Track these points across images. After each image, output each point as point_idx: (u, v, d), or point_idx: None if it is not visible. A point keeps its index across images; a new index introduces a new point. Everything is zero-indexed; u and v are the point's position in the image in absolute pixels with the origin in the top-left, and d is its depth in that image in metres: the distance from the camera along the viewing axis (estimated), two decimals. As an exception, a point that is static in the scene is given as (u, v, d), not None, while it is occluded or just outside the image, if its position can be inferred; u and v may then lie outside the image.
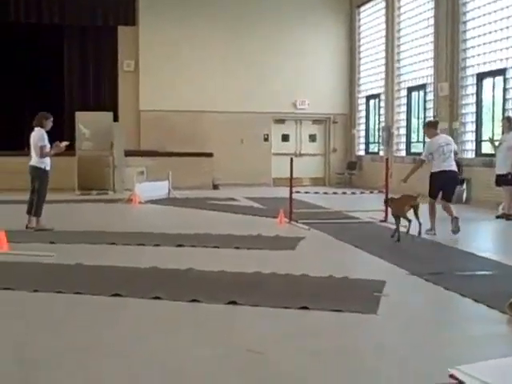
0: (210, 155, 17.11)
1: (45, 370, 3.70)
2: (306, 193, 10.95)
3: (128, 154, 16.00)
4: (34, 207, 9.09)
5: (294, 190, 10.36)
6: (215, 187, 16.88)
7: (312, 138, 19.76)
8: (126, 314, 4.90)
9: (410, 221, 8.45)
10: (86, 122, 15.76)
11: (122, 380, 3.54)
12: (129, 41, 18.25)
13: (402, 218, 8.40)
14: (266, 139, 19.07)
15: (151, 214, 11.99)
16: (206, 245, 7.88)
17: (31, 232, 8.86)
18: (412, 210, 8.49)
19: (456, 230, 8.67)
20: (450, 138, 9.66)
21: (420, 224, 8.44)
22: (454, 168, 9.14)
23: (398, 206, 8.60)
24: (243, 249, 7.69)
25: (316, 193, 11.21)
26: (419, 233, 8.50)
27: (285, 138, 19.50)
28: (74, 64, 18.39)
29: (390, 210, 9.17)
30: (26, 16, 17.50)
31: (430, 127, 9.46)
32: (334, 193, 11.99)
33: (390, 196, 9.35)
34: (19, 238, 7.96)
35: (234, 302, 5.08)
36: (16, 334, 4.34)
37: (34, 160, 9.15)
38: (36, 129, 9.21)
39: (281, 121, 19.41)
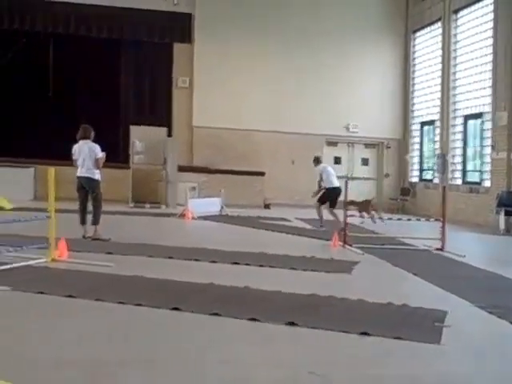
0: (261, 174, 17.16)
1: (110, 377, 3.74)
2: (361, 217, 10.89)
3: (181, 169, 16.19)
4: (95, 216, 9.30)
5: (347, 213, 10.29)
6: (266, 206, 16.89)
7: (364, 161, 19.66)
8: (185, 329, 4.91)
9: None
10: (141, 136, 16.04)
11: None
12: (184, 58, 18.55)
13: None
14: (318, 161, 19.02)
15: (205, 229, 12.07)
16: (261, 264, 7.86)
17: (89, 241, 9.01)
18: None
19: None
20: None
21: None
22: None
23: None
24: (299, 270, 7.65)
25: (370, 217, 11.11)
26: None
27: (337, 160, 19.43)
28: (129, 78, 18.75)
29: None
30: (87, 30, 17.97)
31: None
32: (389, 218, 11.85)
33: None
34: (78, 247, 8.10)
35: (292, 323, 5.04)
36: (79, 342, 4.39)
37: (90, 171, 9.33)
38: (86, 141, 9.40)
39: (333, 143, 19.38)
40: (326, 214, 12.09)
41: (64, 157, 13.85)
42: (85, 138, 9.43)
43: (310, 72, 18.61)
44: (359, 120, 19.05)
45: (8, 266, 6.71)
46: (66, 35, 17.90)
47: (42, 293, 5.70)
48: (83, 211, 9.42)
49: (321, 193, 12.17)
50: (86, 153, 9.32)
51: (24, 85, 18.55)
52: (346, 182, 10.50)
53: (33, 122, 18.50)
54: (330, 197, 12.03)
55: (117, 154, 17.38)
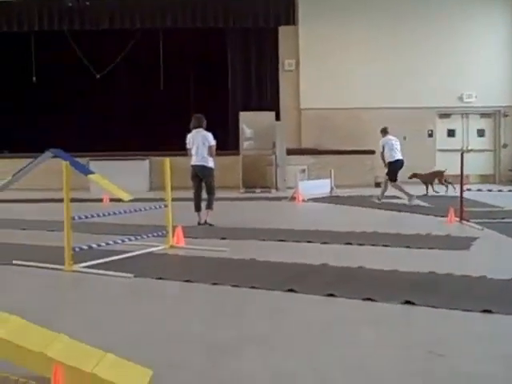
0: (371, 152, 16.83)
1: (229, 356, 3.85)
2: (479, 190, 10.39)
3: (289, 152, 16.22)
4: (211, 202, 9.57)
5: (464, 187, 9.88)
6: (377, 185, 16.57)
7: (480, 132, 18.77)
8: (300, 310, 4.94)
9: None
10: (249, 122, 16.22)
11: (303, 372, 3.55)
12: (289, 40, 18.49)
13: None
14: (430, 135, 18.42)
15: (315, 211, 12.04)
16: (374, 243, 7.75)
17: (203, 228, 9.27)
18: None
19: None
20: None
21: None
22: None
23: None
24: (414, 248, 7.46)
25: (489, 190, 10.59)
26: None
27: (450, 133, 18.70)
28: (237, 65, 18.97)
29: None
30: (192, 21, 18.37)
31: None
32: (510, 191, 11.26)
33: None
34: (193, 234, 8.35)
35: (410, 302, 4.93)
36: (200, 325, 4.53)
37: (204, 160, 9.53)
38: (199, 129, 9.58)
39: (446, 115, 18.64)
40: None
41: (176, 147, 14.32)
42: (198, 127, 9.63)
43: (418, 45, 17.99)
44: (473, 89, 18.19)
45: (130, 254, 7.04)
46: (173, 29, 18.38)
47: (161, 278, 5.93)
48: (198, 198, 9.65)
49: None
50: (200, 141, 9.50)
51: (137, 81, 19.33)
52: (462, 155, 10.07)
53: (145, 116, 19.25)
54: (395, 170, 12.24)
55: (226, 141, 17.71)
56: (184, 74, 20.08)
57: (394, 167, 12.36)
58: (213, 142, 9.56)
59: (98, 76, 19.01)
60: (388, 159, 12.42)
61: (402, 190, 12.48)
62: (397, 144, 12.64)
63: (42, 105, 18.97)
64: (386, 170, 12.55)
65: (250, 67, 18.89)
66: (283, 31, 18.56)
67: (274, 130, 15.95)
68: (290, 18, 18.32)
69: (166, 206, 7.76)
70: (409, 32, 18.01)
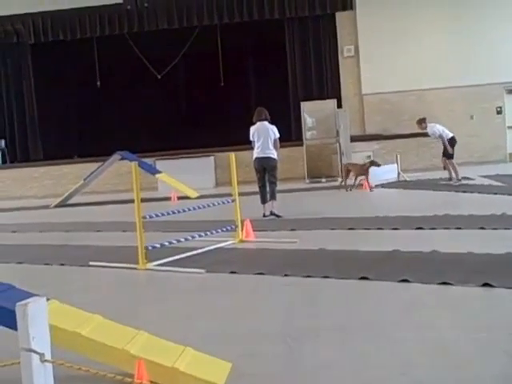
0: (437, 134, 16.45)
1: (308, 344, 3.86)
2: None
3: (353, 139, 16.06)
4: (274, 193, 9.64)
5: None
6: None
7: (552, 106, 18.02)
8: (375, 297, 4.89)
9: None
10: (311, 111, 16.14)
11: (384, 357, 3.52)
12: (347, 26, 18.26)
13: None
14: (499, 112, 17.81)
15: (384, 198, 11.88)
16: (447, 226, 7.58)
17: (271, 220, 9.29)
18: None
19: None
20: None
21: None
22: None
23: None
24: (489, 229, 7.25)
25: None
26: None
27: (519, 109, 18.03)
28: (295, 55, 18.87)
29: None
30: (249, 14, 18.41)
31: None
32: None
33: None
34: (262, 227, 8.39)
35: (488, 285, 4.80)
36: (275, 316, 4.56)
37: (269, 152, 9.59)
38: (263, 122, 9.63)
39: (515, 90, 17.99)
40: None
41: (240, 142, 14.45)
42: (261, 119, 9.67)
43: (480, 20, 17.40)
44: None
45: (201, 250, 7.14)
46: (231, 24, 18.47)
47: (234, 272, 5.99)
48: (264, 190, 9.71)
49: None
50: (265, 134, 9.56)
51: (197, 77, 19.57)
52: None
53: (208, 112, 19.46)
54: (452, 147, 12.53)
55: (289, 132, 17.70)
56: (243, 68, 20.21)
57: (451, 144, 12.54)
58: (277, 135, 9.64)
59: (159, 76, 19.33)
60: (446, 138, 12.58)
61: (455, 168, 12.68)
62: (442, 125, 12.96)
63: (107, 108, 19.49)
64: (443, 151, 12.67)
65: (309, 56, 18.74)
66: (340, 17, 18.34)
67: (337, 117, 15.82)
68: (347, 4, 18.07)
69: (233, 200, 7.82)
70: (471, 8, 17.45)
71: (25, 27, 18.97)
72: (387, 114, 17.51)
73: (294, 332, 4.14)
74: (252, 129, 9.72)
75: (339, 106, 16.80)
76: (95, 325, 3.62)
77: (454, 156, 12.59)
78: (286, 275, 5.68)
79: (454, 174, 12.69)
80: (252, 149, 9.93)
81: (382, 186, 13.04)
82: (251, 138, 9.73)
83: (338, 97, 17.37)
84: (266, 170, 9.69)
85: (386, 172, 13.92)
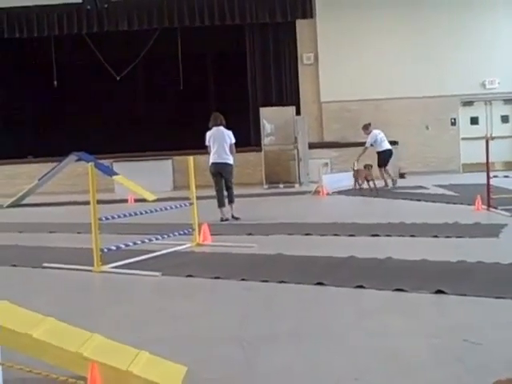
0: (394, 143, 16.72)
1: (263, 349, 3.86)
2: (506, 177, 10.25)
3: (312, 146, 16.19)
4: (231, 196, 9.79)
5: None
6: (401, 176, 16.49)
7: (504, 119, 18.51)
8: (330, 302, 4.92)
9: None
10: (270, 117, 16.20)
11: (338, 362, 3.55)
12: (307, 34, 18.40)
13: None
14: (453, 123, 18.21)
15: (340, 204, 11.99)
16: (401, 234, 7.70)
17: (229, 224, 9.28)
18: None
19: None
20: None
21: None
22: None
23: None
24: (441, 237, 7.39)
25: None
26: None
27: (474, 120, 18.46)
28: (255, 61, 18.91)
29: None
30: (210, 19, 18.39)
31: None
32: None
33: None
34: (219, 231, 8.37)
35: (441, 291, 4.89)
36: (231, 320, 4.55)
37: (225, 157, 9.66)
38: (219, 127, 9.68)
39: (469, 103, 18.40)
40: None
41: (199, 146, 14.39)
42: (217, 124, 9.71)
43: (437, 32, 17.77)
44: (496, 75, 17.93)
45: (157, 253, 7.08)
46: (191, 28, 18.42)
47: (190, 276, 5.96)
48: (221, 194, 9.75)
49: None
50: (221, 139, 9.61)
51: (156, 80, 19.45)
52: (487, 143, 9.94)
53: (166, 115, 19.35)
54: (385, 158, 14.07)
55: (248, 137, 17.73)
56: (203, 73, 20.17)
57: (384, 156, 14.12)
58: (233, 140, 9.71)
59: (118, 78, 19.13)
60: (378, 149, 14.14)
61: (383, 177, 14.10)
62: (383, 136, 14.35)
63: (64, 108, 19.19)
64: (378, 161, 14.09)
65: (269, 62, 18.82)
66: (301, 25, 18.48)
67: (295, 124, 15.92)
68: (307, 12, 18.22)
69: (191, 204, 7.78)
70: (428, 20, 17.82)
71: (-21, 22, 18.53)
72: (345, 122, 17.71)
73: (249, 337, 4.13)
74: (208, 134, 9.77)
75: (298, 112, 16.92)
76: (48, 327, 3.54)
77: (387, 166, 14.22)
78: (242, 279, 5.68)
79: (388, 181, 14.06)
80: (208, 154, 9.92)
81: (339, 193, 13.17)
82: (207, 143, 9.77)
83: (297, 103, 17.49)
84: (221, 174, 9.75)
85: (343, 179, 14.06)
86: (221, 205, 9.73)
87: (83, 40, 18.73)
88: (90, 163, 6.62)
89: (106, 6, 17.85)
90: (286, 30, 18.74)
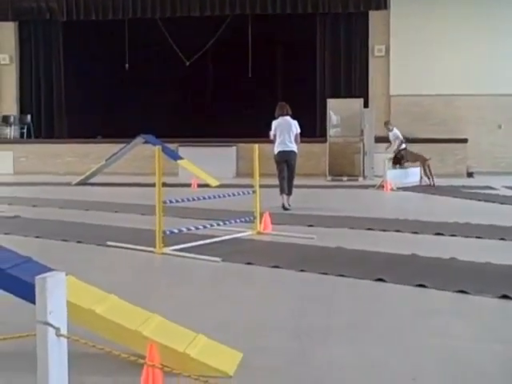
0: (464, 141, 16.30)
1: (318, 342, 3.84)
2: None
3: (378, 140, 15.92)
4: (291, 187, 9.88)
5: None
6: (469, 175, 16.05)
7: None
8: (390, 300, 4.85)
9: None
10: (337, 109, 16.04)
11: (395, 360, 3.49)
12: (380, 25, 18.09)
13: None
14: (527, 123, 17.59)
15: (404, 200, 11.77)
16: (466, 235, 7.50)
17: (290, 215, 9.26)
18: None
19: None
20: None
21: None
22: None
23: None
24: (509, 240, 7.15)
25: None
26: None
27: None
28: (325, 51, 18.76)
29: None
30: (282, 7, 18.34)
31: None
32: None
33: None
34: (280, 220, 8.36)
35: (506, 296, 4.74)
36: (288, 310, 4.54)
37: (292, 145, 9.81)
38: (285, 117, 9.80)
39: (545, 102, 17.70)
40: None
41: (264, 134, 14.41)
42: (284, 114, 9.81)
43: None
44: None
45: (218, 239, 7.14)
46: (263, 15, 18.44)
47: (250, 263, 5.98)
48: (284, 182, 9.86)
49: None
50: (287, 128, 9.74)
51: (225, 66, 19.53)
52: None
53: (233, 103, 19.42)
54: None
55: (314, 128, 17.62)
56: (272, 60, 20.10)
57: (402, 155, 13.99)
58: (299, 130, 9.82)
59: (188, 63, 19.34)
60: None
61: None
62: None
63: (134, 91, 19.53)
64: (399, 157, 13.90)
65: (339, 53, 18.64)
66: (374, 16, 18.18)
67: (363, 117, 15.71)
68: (381, 2, 17.91)
69: (254, 191, 7.80)
70: (505, 18, 17.22)
71: (58, 5, 19.07)
72: (414, 117, 17.36)
73: (305, 328, 4.13)
74: (274, 123, 9.87)
75: (366, 105, 16.66)
76: (110, 304, 3.63)
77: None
78: (302, 270, 5.66)
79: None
80: (271, 142, 10.03)
81: (404, 188, 12.94)
82: (273, 132, 9.88)
83: (365, 96, 17.23)
84: (287, 162, 9.84)
85: (409, 175, 13.81)
86: (283, 191, 9.86)
87: (156, 24, 19.03)
88: (157, 146, 6.72)
89: (180, -9, 18.05)
90: (358, 20, 18.48)
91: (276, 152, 9.87)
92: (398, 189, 12.82)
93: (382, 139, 16.41)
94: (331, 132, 15.92)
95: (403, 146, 14.08)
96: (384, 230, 7.84)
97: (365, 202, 11.61)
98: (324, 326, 4.15)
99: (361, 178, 15.21)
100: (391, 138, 14.35)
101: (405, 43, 17.56)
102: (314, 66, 18.70)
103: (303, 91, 18.07)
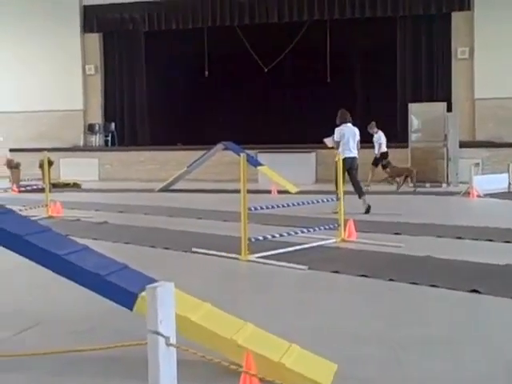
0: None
1: (413, 353, 3.74)
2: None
3: (462, 145, 15.44)
4: (361, 189, 10.15)
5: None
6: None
7: None
8: (487, 312, 4.66)
9: None
10: (419, 113, 15.67)
11: (498, 376, 3.33)
12: (463, 27, 17.56)
13: None
14: None
15: (493, 208, 11.31)
16: None
17: (375, 222, 9.06)
18: None
19: None
20: None
21: None
22: None
23: None
24: None
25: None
26: None
27: None
28: (406, 55, 18.41)
29: None
30: (361, 11, 18.16)
31: None
32: None
33: None
34: (364, 228, 8.21)
35: None
36: (379, 320, 4.43)
37: (355, 152, 10.17)
38: (348, 124, 10.18)
39: None
40: None
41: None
42: (346, 121, 10.18)
43: None
44: None
45: (302, 246, 7.09)
46: (341, 20, 18.32)
47: (336, 272, 5.90)
48: (358, 185, 10.11)
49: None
50: (352, 135, 10.11)
51: (303, 72, 19.48)
52: None
53: (312, 108, 19.34)
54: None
55: (394, 133, 17.31)
56: (351, 64, 19.88)
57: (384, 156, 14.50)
58: (359, 137, 10.28)
59: (266, 69, 19.43)
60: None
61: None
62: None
63: (213, 98, 19.79)
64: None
65: (420, 56, 18.23)
66: (456, 17, 17.68)
67: (446, 121, 15.27)
68: (465, 3, 17.41)
69: (338, 198, 7.71)
70: None
71: (140, 16, 19.61)
72: (500, 121, 16.72)
73: (399, 339, 4.02)
74: (339, 130, 10.18)
75: (449, 109, 16.19)
76: (204, 312, 3.65)
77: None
78: (391, 280, 5.53)
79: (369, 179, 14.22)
80: (331, 148, 10.68)
81: (491, 195, 12.47)
82: (337, 139, 10.16)
83: (448, 100, 16.75)
84: (351, 168, 10.04)
85: (496, 181, 13.30)
86: (361, 194, 9.97)
87: (234, 31, 19.24)
88: (242, 154, 6.74)
89: (258, -2, 18.18)
90: (440, 22, 18.02)
91: (343, 157, 9.90)
92: (485, 195, 12.37)
93: (467, 144, 15.94)
94: (413, 137, 15.57)
95: (384, 149, 14.50)
96: (474, 239, 7.55)
97: (451, 209, 11.27)
98: (419, 337, 4.03)
99: (445, 185, 14.79)
100: (375, 140, 14.56)
101: (490, 44, 16.95)
102: (394, 70, 18.36)
103: (383, 96, 17.82)
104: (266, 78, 19.49)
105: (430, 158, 15.25)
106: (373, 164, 14.67)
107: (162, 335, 2.40)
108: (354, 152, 10.07)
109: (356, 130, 10.23)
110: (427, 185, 14.68)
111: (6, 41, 19.88)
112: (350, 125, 10.19)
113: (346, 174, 9.93)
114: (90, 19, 20.01)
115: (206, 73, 19.78)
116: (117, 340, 3.46)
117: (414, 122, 15.63)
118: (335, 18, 18.46)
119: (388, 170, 14.29)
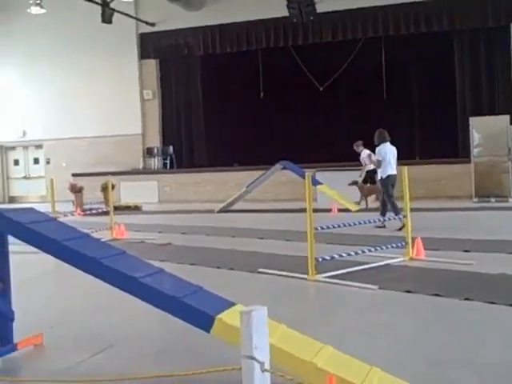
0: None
1: (503, 381, 3.57)
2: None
3: (527, 158, 14.98)
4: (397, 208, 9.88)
5: None
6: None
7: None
8: None
9: None
10: (480, 127, 15.32)
11: None
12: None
13: None
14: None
15: None
16: None
17: (441, 239, 8.83)
18: None
19: None
20: None
21: None
22: None
23: None
24: None
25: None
26: None
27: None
28: (464, 68, 18.08)
29: None
30: (416, 26, 17.94)
31: None
32: None
33: None
34: (432, 245, 7.98)
35: None
36: (459, 342, 4.27)
37: (396, 169, 10.20)
38: (387, 143, 10.37)
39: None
40: None
41: (403, 157, 14.05)
42: (385, 140, 10.39)
43: None
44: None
45: (369, 266, 6.95)
46: (395, 36, 18.17)
47: (408, 291, 5.74)
48: (395, 202, 10.02)
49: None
50: (393, 153, 10.40)
51: (359, 90, 19.33)
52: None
53: (369, 126, 19.12)
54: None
55: (455, 148, 16.95)
56: (407, 80, 19.62)
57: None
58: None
59: (321, 88, 19.39)
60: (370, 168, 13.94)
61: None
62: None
63: (268, 119, 19.84)
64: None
65: (480, 69, 17.86)
66: (515, 28, 17.28)
67: (510, 134, 14.86)
68: (523, 15, 17.00)
69: (405, 216, 7.55)
70: None
71: (196, 41, 19.92)
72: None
73: (484, 362, 3.84)
74: (381, 149, 10.37)
75: (512, 122, 15.76)
76: (281, 333, 3.58)
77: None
78: (466, 299, 5.34)
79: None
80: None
81: None
82: (379, 158, 10.34)
83: (510, 112, 16.30)
84: (392, 185, 10.30)
85: None
86: (398, 212, 9.68)
87: (288, 52, 19.30)
88: (307, 173, 6.69)
89: (311, 18, 18.17)
90: (498, 34, 17.63)
91: (385, 176, 10.32)
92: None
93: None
94: (475, 152, 15.21)
95: (371, 166, 13.81)
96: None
97: (519, 224, 10.91)
98: (503, 361, 3.85)
99: (511, 199, 14.35)
100: (362, 158, 14.49)
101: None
102: (453, 85, 18.04)
103: (442, 111, 17.48)
104: (322, 97, 19.43)
105: (493, 172, 14.87)
106: (365, 182, 14.41)
107: (257, 360, 2.35)
108: (395, 170, 10.31)
109: (394, 149, 10.50)
110: (492, 200, 14.28)
111: (77, 70, 20.45)
112: (388, 143, 10.42)
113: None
114: (147, 46, 20.46)
115: (262, 94, 19.87)
116: (189, 362, 3.43)
117: (476, 136, 15.29)
118: (390, 35, 18.30)
119: (365, 188, 14.12)
